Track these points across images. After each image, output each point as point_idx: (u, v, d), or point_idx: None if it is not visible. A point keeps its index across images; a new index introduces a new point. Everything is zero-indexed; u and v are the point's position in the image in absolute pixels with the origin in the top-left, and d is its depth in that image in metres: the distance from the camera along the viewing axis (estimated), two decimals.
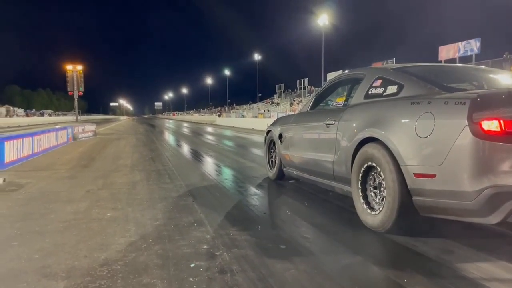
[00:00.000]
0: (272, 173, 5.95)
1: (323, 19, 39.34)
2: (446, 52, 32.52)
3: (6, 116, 52.07)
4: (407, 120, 3.09)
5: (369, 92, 3.90)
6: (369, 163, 3.39)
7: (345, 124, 3.91)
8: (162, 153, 10.39)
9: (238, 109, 69.13)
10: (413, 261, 2.68)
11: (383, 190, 3.22)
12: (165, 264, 2.59)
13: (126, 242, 3.05)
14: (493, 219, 2.59)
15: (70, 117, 58.90)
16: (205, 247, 2.92)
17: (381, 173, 3.22)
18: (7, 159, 7.09)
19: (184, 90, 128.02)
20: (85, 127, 16.09)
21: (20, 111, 68.47)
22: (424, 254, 2.79)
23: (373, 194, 3.42)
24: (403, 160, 2.98)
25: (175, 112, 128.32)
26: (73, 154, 9.97)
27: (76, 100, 26.71)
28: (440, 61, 32.46)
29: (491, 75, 4.16)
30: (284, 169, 5.53)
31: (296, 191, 5.14)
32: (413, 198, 2.98)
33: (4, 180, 5.56)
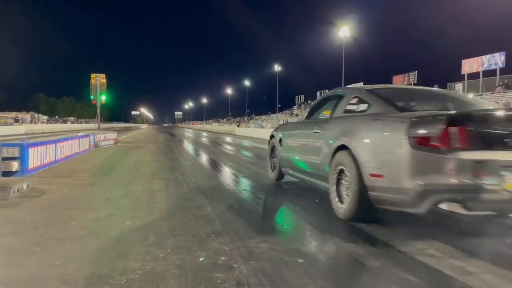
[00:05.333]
0: (273, 175, 6.77)
1: (344, 31, 39.28)
2: (469, 66, 32.00)
3: (30, 122, 53.47)
4: (367, 133, 3.98)
5: (347, 108, 4.75)
6: (341, 167, 4.19)
7: (327, 133, 4.74)
8: (181, 162, 10.47)
9: (257, 120, 69.29)
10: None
11: (349, 187, 3.98)
12: (183, 275, 2.59)
13: (144, 251, 3.07)
14: (422, 209, 3.31)
15: (92, 125, 60.02)
16: (223, 258, 2.92)
17: (348, 173, 4.02)
18: (31, 165, 7.26)
19: (204, 100, 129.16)
20: (106, 135, 16.37)
21: (45, 118, 70.22)
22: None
23: (343, 190, 4.17)
24: (363, 164, 3.79)
25: (194, 122, 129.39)
26: (94, 161, 10.15)
27: (98, 108, 27.22)
28: (463, 75, 31.95)
29: (451, 99, 5.02)
30: (283, 169, 6.35)
31: (315, 205, 5.09)
32: (368, 193, 3.74)
33: (28, 186, 5.68)
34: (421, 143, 3.30)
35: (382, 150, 3.67)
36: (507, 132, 3.33)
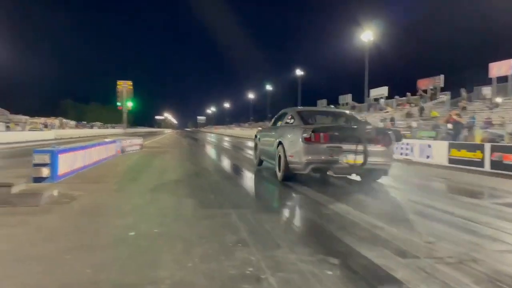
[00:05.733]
0: (256, 162, 10.32)
1: (367, 35, 38.91)
2: (498, 69, 31.01)
3: (59, 127, 54.82)
4: (289, 135, 7.44)
5: (286, 121, 8.46)
6: (279, 153, 7.56)
7: (276, 135, 8.16)
8: (205, 167, 10.54)
9: None
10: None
11: (281, 163, 7.37)
12: (211, 285, 2.60)
13: (173, 259, 3.10)
14: (307, 171, 6.80)
15: (118, 130, 60.99)
16: (250, 269, 2.91)
17: (281, 157, 7.38)
18: (60, 171, 7.43)
19: (226, 104, 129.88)
20: (132, 141, 16.61)
21: (72, 123, 71.79)
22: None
23: (280, 166, 7.46)
24: (286, 151, 7.23)
25: (217, 127, 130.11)
26: (121, 167, 10.31)
27: (125, 114, 27.73)
28: (490, 78, 31.01)
29: (342, 116, 9.23)
30: (261, 157, 9.85)
31: (340, 212, 5.04)
32: (289, 165, 7.15)
33: (58, 192, 5.82)
34: (307, 140, 6.72)
35: (293, 144, 7.07)
36: (346, 135, 6.77)
